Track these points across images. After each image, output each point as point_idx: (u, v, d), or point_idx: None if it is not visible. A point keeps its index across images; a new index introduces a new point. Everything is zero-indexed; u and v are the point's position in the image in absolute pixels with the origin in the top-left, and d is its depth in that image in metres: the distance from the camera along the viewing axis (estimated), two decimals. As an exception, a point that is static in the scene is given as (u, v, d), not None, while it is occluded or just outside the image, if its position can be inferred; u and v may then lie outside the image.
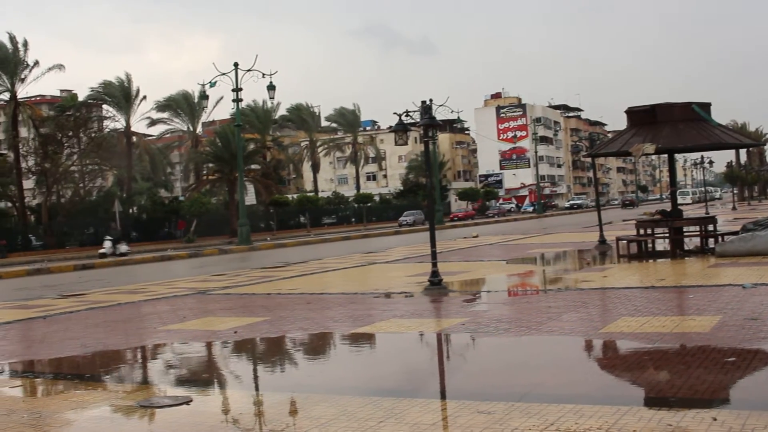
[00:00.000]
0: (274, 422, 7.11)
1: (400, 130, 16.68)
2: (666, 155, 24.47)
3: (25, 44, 59.85)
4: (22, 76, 59.81)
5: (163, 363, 11.06)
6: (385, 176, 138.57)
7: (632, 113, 22.28)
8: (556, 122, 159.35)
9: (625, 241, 22.96)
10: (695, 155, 67.28)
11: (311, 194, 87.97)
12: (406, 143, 17.35)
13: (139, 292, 21.00)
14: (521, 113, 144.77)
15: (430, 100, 16.92)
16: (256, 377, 9.83)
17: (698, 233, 22.96)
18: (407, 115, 16.98)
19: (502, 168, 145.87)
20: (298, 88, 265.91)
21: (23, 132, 63.66)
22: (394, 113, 16.83)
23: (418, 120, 17.59)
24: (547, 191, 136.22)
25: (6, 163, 65.33)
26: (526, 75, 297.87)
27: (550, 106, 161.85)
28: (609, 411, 6.69)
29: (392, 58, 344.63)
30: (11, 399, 9.01)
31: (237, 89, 49.39)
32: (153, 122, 74.78)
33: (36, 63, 60.19)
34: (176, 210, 67.75)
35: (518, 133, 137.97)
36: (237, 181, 56.44)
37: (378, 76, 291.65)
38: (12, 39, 59.46)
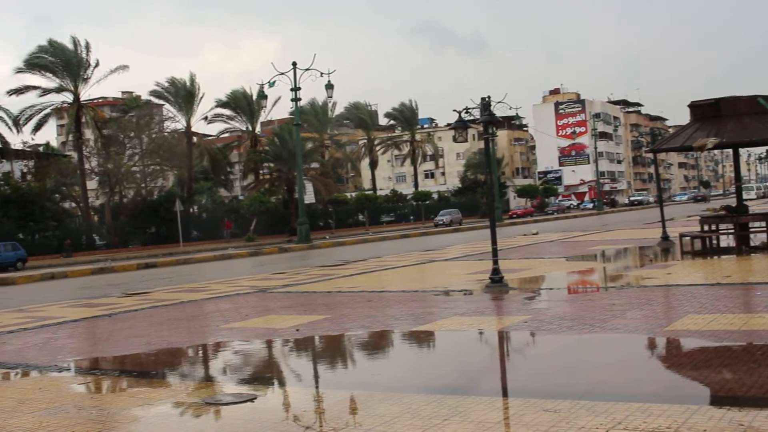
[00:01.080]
0: (338, 420, 7.11)
1: (460, 127, 16.58)
2: (730, 150, 23.98)
3: (87, 46, 60.91)
4: (85, 77, 60.78)
5: (226, 360, 11.14)
6: (443, 174, 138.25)
7: (696, 107, 21.89)
8: (615, 118, 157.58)
9: (688, 238, 22.57)
10: (760, 149, 66.14)
11: (369, 192, 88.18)
12: (465, 140, 17.30)
13: (201, 291, 21.22)
14: (580, 109, 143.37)
15: (488, 97, 16.79)
16: (318, 375, 9.85)
17: (764, 229, 22.49)
18: (467, 112, 16.86)
19: (561, 164, 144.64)
20: (351, 87, 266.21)
21: (86, 133, 64.75)
22: (454, 110, 16.72)
23: (477, 117, 17.48)
24: (607, 187, 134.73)
25: (70, 164, 66.55)
26: (584, 70, 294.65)
27: (610, 102, 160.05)
28: (678, 410, 6.57)
29: (444, 55, 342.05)
30: (79, 395, 9.15)
31: (296, 88, 49.67)
32: (212, 121, 75.52)
33: (97, 63, 61.19)
34: (236, 209, 68.46)
35: (577, 129, 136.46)
36: (296, 180, 56.75)
37: (430, 74, 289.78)
38: (75, 42, 60.48)
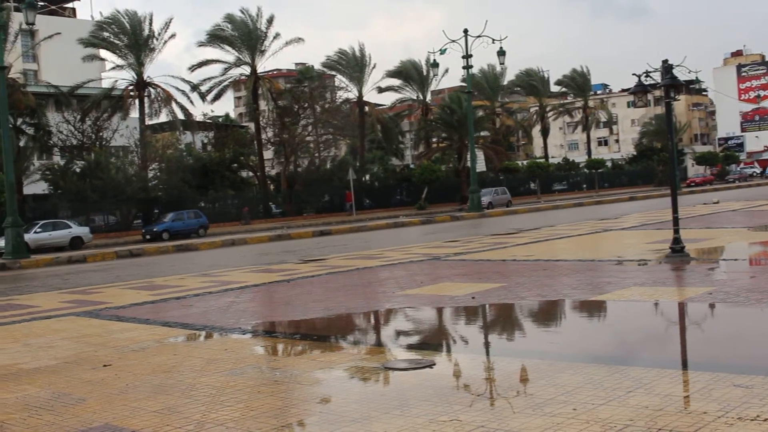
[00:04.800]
0: (518, 388, 7.03)
1: (640, 91, 16.04)
2: None
3: (271, 20, 62.34)
4: (262, 49, 62.32)
5: (403, 327, 11.24)
6: (617, 141, 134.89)
7: None
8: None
9: None
10: None
11: (541, 160, 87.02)
12: (646, 105, 16.74)
13: (375, 258, 21.49)
14: (765, 71, 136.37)
15: (665, 61, 16.15)
16: (496, 343, 9.78)
17: None
18: (647, 76, 16.28)
19: (743, 130, 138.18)
20: (513, 55, 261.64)
21: (262, 105, 66.52)
22: (633, 74, 16.18)
23: (657, 81, 16.86)
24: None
25: (247, 135, 68.70)
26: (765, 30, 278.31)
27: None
28: None
29: (604, 21, 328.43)
30: (262, 357, 9.44)
31: (467, 56, 49.44)
32: (383, 90, 76.09)
33: (277, 35, 62.58)
34: (407, 177, 68.94)
35: (762, 93, 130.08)
36: (467, 148, 56.59)
37: (592, 40, 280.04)
38: (259, 14, 61.99)
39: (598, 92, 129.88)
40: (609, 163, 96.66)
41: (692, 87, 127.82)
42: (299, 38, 64.19)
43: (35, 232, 40.37)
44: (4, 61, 33.92)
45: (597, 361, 7.81)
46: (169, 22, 57.42)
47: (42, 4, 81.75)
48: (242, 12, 61.85)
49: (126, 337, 11.13)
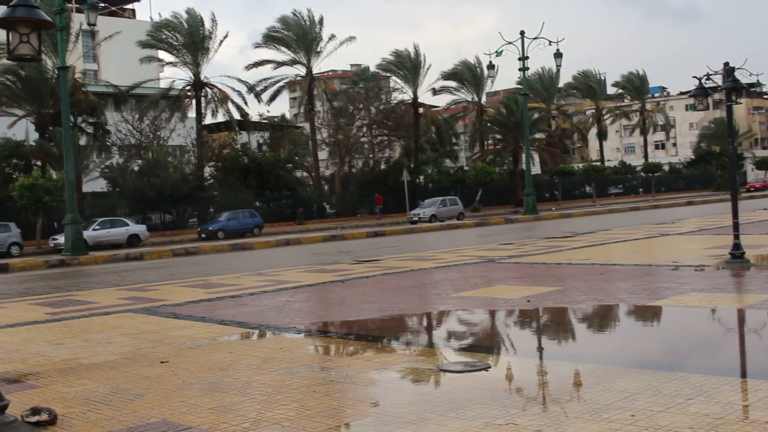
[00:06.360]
0: (576, 392, 6.96)
1: (701, 94, 15.81)
2: None
3: (321, 21, 62.71)
4: (318, 50, 62.64)
5: (457, 328, 11.19)
6: (674, 145, 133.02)
7: None
8: None
9: None
10: None
11: (597, 163, 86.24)
12: (707, 108, 16.49)
13: (429, 259, 21.46)
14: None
15: (727, 63, 15.89)
16: (551, 346, 9.69)
17: None
18: (708, 79, 16.03)
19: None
20: (566, 56, 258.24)
21: (317, 105, 66.82)
22: (693, 77, 15.98)
23: (717, 83, 16.58)
24: None
25: (302, 135, 69.08)
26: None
27: None
28: None
29: (656, 24, 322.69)
30: (317, 356, 9.46)
31: (523, 57, 49.26)
32: (438, 92, 75.85)
33: (332, 36, 62.92)
34: (461, 180, 68.73)
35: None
36: (522, 151, 56.29)
37: (645, 43, 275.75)
38: (309, 16, 62.39)
39: (656, 95, 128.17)
40: (666, 167, 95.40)
41: (753, 90, 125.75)
42: (352, 37, 64.40)
43: (94, 230, 41.02)
44: (66, 61, 34.53)
45: (655, 368, 7.70)
46: (214, 18, 58.01)
47: (103, 5, 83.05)
48: (302, 14, 62.32)
49: (182, 334, 11.24)
